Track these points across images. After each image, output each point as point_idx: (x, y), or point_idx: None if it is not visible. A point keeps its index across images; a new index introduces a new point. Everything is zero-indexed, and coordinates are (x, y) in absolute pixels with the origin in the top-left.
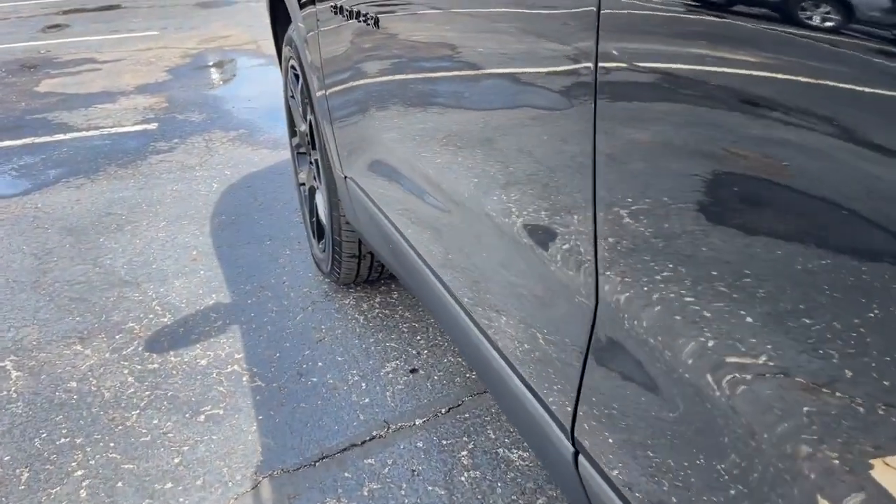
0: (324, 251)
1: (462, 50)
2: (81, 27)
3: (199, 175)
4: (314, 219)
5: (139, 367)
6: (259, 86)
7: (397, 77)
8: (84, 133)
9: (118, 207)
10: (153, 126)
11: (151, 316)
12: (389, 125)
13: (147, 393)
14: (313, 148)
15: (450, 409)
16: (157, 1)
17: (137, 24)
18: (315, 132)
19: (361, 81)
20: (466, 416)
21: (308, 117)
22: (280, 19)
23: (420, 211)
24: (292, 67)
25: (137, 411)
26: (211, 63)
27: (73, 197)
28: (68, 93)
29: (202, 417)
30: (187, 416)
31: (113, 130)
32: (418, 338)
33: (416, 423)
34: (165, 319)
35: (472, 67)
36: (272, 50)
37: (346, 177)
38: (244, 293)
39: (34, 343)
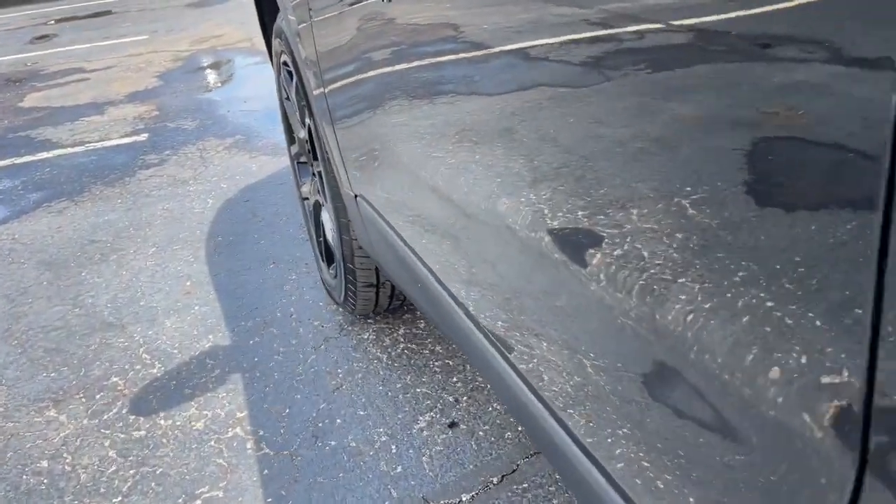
0: (335, 277)
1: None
2: (71, 35)
3: (193, 190)
4: (322, 239)
5: (123, 435)
6: (255, 85)
7: (418, 65)
8: (69, 150)
9: (103, 233)
10: (143, 137)
11: (138, 367)
12: (408, 128)
13: (132, 472)
14: (315, 158)
15: (503, 476)
16: (147, 4)
17: (127, 28)
18: (316, 139)
19: (369, 74)
20: (525, 486)
21: (307, 121)
22: (267, 7)
23: (458, 242)
24: (284, 64)
25: (119, 498)
26: (203, 65)
27: (53, 224)
28: (54, 106)
29: (198, 503)
30: (179, 502)
31: (100, 145)
32: (454, 379)
33: (463, 499)
34: (154, 370)
35: (547, 37)
36: None
37: (356, 195)
38: (246, 332)
39: (0, 410)
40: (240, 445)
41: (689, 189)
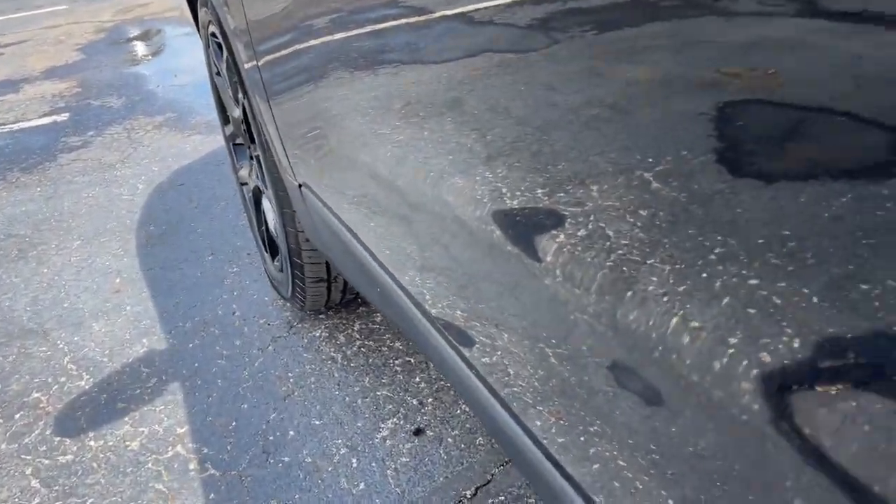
0: (281, 271)
1: None
2: None
3: (121, 175)
4: (264, 228)
5: (47, 461)
6: (186, 58)
7: (357, 32)
8: None
9: (21, 226)
10: (64, 117)
11: (63, 379)
12: (350, 102)
13: None
14: (252, 140)
15: (477, 489)
16: None
17: None
18: (251, 119)
19: (306, 43)
20: (502, 498)
21: (240, 98)
22: None
23: (411, 229)
24: (213, 35)
25: None
26: (129, 36)
27: None
28: None
29: None
30: None
31: (16, 127)
32: (417, 379)
33: None
34: (82, 382)
35: None
36: None
37: (300, 185)
38: (184, 334)
39: None
40: (181, 466)
41: (652, 160)
